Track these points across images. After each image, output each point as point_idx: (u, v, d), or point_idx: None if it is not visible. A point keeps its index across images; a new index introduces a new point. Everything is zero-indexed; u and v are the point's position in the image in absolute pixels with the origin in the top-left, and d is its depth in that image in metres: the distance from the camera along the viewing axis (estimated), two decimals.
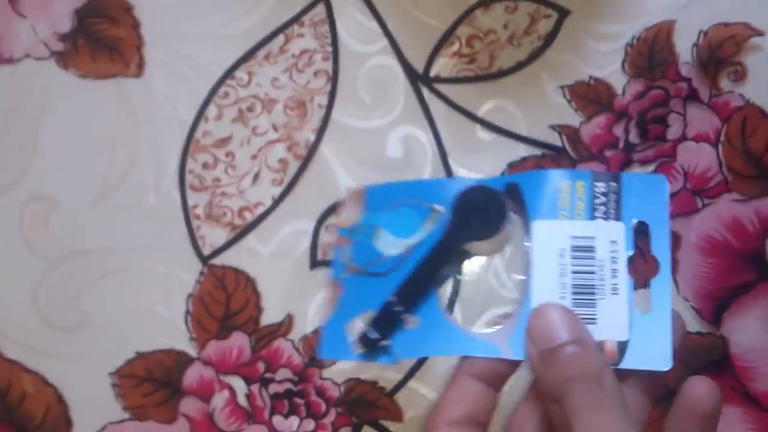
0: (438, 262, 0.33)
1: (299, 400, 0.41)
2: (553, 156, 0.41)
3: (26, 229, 0.43)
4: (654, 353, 0.29)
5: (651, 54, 0.41)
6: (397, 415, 0.40)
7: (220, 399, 0.41)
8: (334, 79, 0.43)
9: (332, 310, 0.33)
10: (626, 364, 0.29)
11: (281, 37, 0.43)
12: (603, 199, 0.31)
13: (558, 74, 0.42)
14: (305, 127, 0.43)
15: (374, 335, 0.32)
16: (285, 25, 0.43)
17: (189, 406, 0.41)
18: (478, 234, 0.32)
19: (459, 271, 0.34)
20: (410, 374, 0.41)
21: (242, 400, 0.41)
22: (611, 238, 0.31)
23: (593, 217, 0.31)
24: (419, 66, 0.43)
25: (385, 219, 0.34)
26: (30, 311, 0.43)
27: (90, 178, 0.43)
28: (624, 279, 0.31)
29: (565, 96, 0.42)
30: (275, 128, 0.43)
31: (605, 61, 0.42)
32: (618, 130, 0.41)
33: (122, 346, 0.42)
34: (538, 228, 0.32)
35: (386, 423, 0.41)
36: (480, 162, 0.42)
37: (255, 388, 0.41)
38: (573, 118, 0.41)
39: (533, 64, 0.42)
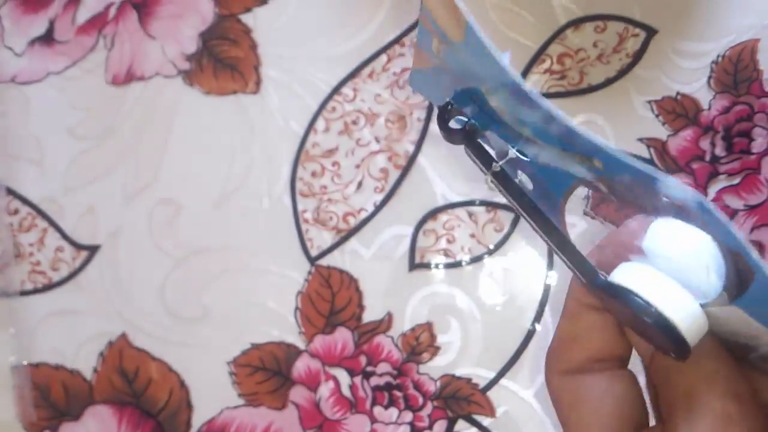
0: (554, 244, 0.23)
1: (398, 393, 0.42)
2: None
3: (155, 230, 0.45)
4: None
5: (736, 71, 0.42)
6: (490, 411, 0.42)
7: (325, 389, 0.43)
8: None
9: (429, 66, 0.24)
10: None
11: (384, 57, 0.44)
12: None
13: (646, 90, 0.43)
14: (405, 139, 0.44)
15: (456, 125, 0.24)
16: (387, 46, 0.44)
17: (298, 394, 0.43)
18: (637, 328, 0.22)
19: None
20: (502, 373, 0.42)
21: (346, 391, 0.43)
22: None
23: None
24: None
25: (503, 98, 0.22)
26: (157, 304, 0.44)
27: (211, 184, 0.44)
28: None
29: (652, 110, 0.42)
30: (377, 140, 0.44)
31: (691, 77, 0.42)
32: (704, 144, 0.42)
33: (238, 338, 0.44)
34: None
35: (479, 417, 0.42)
36: None
37: (357, 380, 0.43)
38: (660, 132, 0.42)
39: (622, 80, 0.43)
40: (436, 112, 0.25)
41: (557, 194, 0.24)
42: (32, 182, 0.46)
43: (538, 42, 0.44)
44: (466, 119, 0.24)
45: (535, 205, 0.23)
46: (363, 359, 0.43)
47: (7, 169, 0.46)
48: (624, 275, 0.21)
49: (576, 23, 0.43)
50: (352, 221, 0.44)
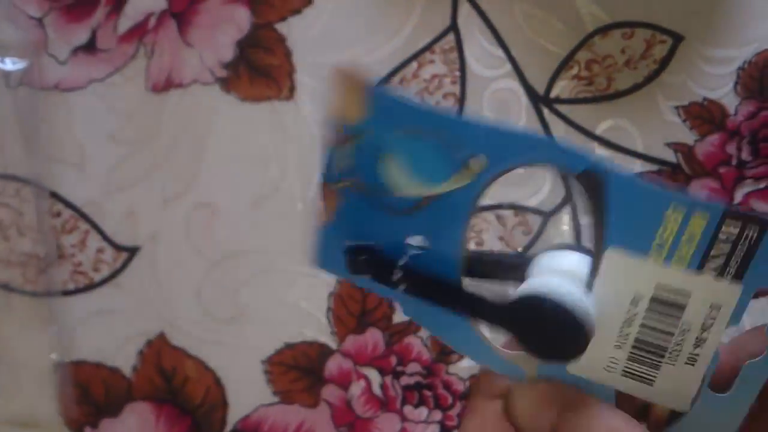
0: (467, 310, 0.24)
1: (428, 393, 0.43)
2: (668, 172, 0.43)
3: (192, 232, 0.46)
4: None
5: (762, 77, 0.42)
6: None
7: (357, 388, 0.44)
8: (461, 100, 0.45)
9: (329, 219, 0.25)
10: None
11: (414, 64, 0.45)
12: (727, 247, 0.21)
13: (673, 95, 0.43)
14: None
15: (373, 269, 0.25)
16: (418, 53, 0.45)
17: (330, 392, 0.44)
18: (536, 353, 0.23)
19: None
20: None
21: (377, 390, 0.44)
22: (715, 301, 0.22)
23: (701, 268, 0.22)
24: (540, 88, 0.44)
25: (397, 143, 0.23)
26: (194, 304, 0.46)
27: (247, 188, 0.45)
28: (710, 352, 0.23)
29: (679, 115, 0.43)
30: None
31: (718, 83, 0.43)
32: (731, 148, 0.42)
33: (272, 337, 0.45)
34: (612, 261, 0.23)
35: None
36: None
37: (388, 379, 0.44)
38: (687, 137, 0.43)
39: (649, 86, 0.43)
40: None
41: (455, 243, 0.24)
42: (75, 186, 0.47)
43: (566, 48, 0.44)
44: (369, 248, 0.25)
45: (450, 286, 0.24)
46: (393, 359, 0.44)
47: (50, 173, 0.47)
48: (524, 287, 0.23)
49: (604, 30, 0.44)
50: None
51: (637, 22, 0.44)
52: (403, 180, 0.24)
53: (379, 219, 0.24)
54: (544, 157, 0.22)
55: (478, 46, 0.45)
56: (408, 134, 0.23)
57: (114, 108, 0.47)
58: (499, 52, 0.45)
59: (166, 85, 0.46)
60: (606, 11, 0.44)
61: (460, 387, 0.43)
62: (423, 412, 0.44)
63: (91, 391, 0.47)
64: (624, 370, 0.24)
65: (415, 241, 0.25)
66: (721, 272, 0.22)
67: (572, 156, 0.22)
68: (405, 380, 0.44)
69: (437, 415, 0.44)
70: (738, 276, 0.22)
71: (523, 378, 0.24)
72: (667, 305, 0.23)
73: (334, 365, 0.44)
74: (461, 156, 0.23)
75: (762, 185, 0.42)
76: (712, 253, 0.22)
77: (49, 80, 0.48)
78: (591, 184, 0.22)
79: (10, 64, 0.47)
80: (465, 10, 0.45)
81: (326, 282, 0.45)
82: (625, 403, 0.24)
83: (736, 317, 0.22)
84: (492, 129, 0.22)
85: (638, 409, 0.24)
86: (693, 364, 0.23)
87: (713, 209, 0.21)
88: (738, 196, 0.42)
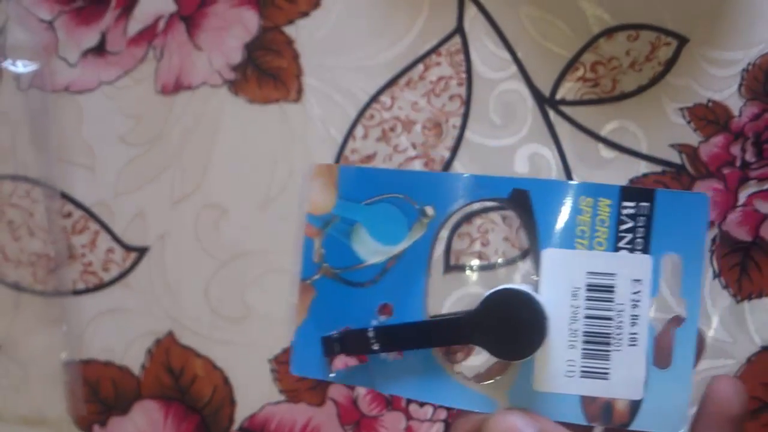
0: (435, 341, 0.27)
1: None
2: (673, 173, 0.43)
3: (200, 233, 0.46)
4: (668, 415, 0.25)
5: (766, 79, 0.42)
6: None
7: (363, 387, 0.44)
8: (467, 102, 0.45)
9: (303, 317, 0.29)
10: (637, 425, 0.25)
11: (421, 66, 0.45)
12: (630, 223, 0.25)
13: (678, 97, 0.43)
14: (441, 145, 0.45)
15: (346, 357, 0.28)
16: (424, 55, 0.45)
17: (336, 391, 0.44)
18: (504, 353, 0.25)
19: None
20: None
21: None
22: (635, 276, 0.25)
23: (616, 248, 0.25)
24: (546, 90, 0.44)
25: (362, 214, 0.27)
26: (202, 304, 0.46)
27: (254, 189, 0.46)
28: (645, 328, 0.25)
29: (684, 117, 0.43)
30: (414, 146, 0.45)
31: (722, 85, 0.43)
32: (735, 150, 0.42)
33: (279, 336, 0.45)
34: (549, 259, 0.25)
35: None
36: (602, 178, 0.43)
37: None
38: (692, 138, 0.43)
39: (654, 88, 0.43)
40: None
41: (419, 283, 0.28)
42: (85, 187, 0.47)
43: (572, 51, 0.44)
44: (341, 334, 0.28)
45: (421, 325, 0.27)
46: None
47: (61, 174, 0.48)
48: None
49: (609, 32, 0.44)
50: None
51: (642, 25, 0.44)
52: (370, 247, 0.27)
53: (348, 296, 0.28)
54: (475, 193, 0.26)
55: (484, 48, 0.45)
56: (370, 204, 0.27)
57: (123, 110, 0.47)
58: (505, 54, 0.45)
59: (175, 88, 0.47)
60: (611, 13, 0.44)
61: None
62: (428, 410, 0.44)
63: (100, 390, 0.47)
64: (582, 371, 0.26)
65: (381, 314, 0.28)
66: (632, 248, 0.25)
67: (497, 183, 0.26)
68: None
69: (442, 414, 0.44)
70: (646, 249, 0.25)
71: (496, 409, 0.26)
72: (600, 290, 0.25)
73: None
74: (416, 208, 0.27)
75: (766, 186, 0.42)
76: (620, 232, 0.25)
77: (60, 82, 0.48)
78: (520, 200, 0.25)
79: (21, 67, 0.48)
80: (471, 13, 0.45)
81: None
82: (589, 408, 0.26)
83: (654, 288, 0.25)
84: (433, 177, 0.26)
85: (602, 411, 0.26)
86: (635, 344, 0.25)
87: (611, 190, 0.25)
88: (742, 198, 0.42)
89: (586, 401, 0.26)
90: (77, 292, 0.48)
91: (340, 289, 0.28)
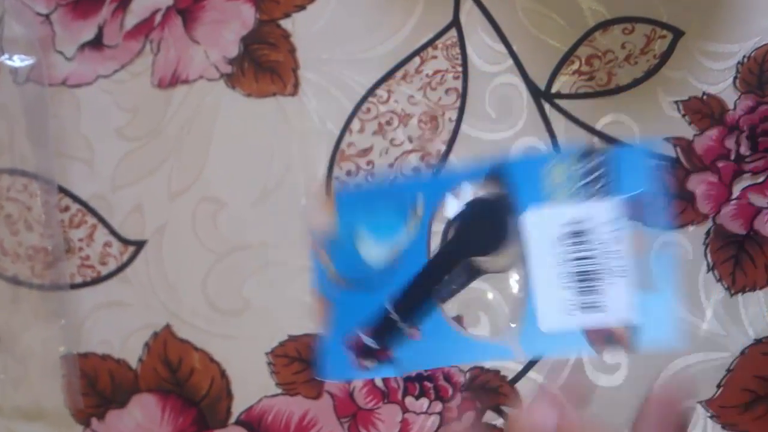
0: (436, 276, 0.30)
1: (429, 384, 0.44)
2: (667, 167, 0.43)
3: (198, 226, 0.46)
4: (663, 333, 0.28)
5: (761, 72, 0.42)
6: (517, 402, 0.43)
7: (359, 379, 0.44)
8: (463, 95, 0.45)
9: (326, 329, 0.32)
10: (637, 346, 0.28)
11: (417, 59, 0.45)
12: (593, 176, 0.29)
13: (673, 90, 0.43)
14: (437, 138, 0.45)
15: (375, 346, 0.31)
16: (420, 49, 0.45)
17: (332, 384, 0.44)
18: (481, 249, 0.30)
19: (465, 285, 0.31)
20: (530, 365, 0.43)
21: (378, 382, 0.44)
22: (608, 218, 0.29)
23: (586, 198, 0.29)
24: (541, 83, 0.44)
25: (362, 221, 0.31)
26: (199, 297, 0.46)
27: (251, 182, 0.46)
28: (629, 259, 0.28)
29: (679, 110, 0.43)
30: (410, 140, 0.45)
31: (717, 78, 0.43)
32: (729, 143, 0.42)
33: (276, 329, 0.45)
34: (530, 219, 0.29)
35: (507, 409, 0.43)
36: None
37: None
38: (687, 131, 0.43)
39: (649, 81, 0.43)
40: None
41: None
42: (82, 180, 0.48)
43: (567, 44, 0.44)
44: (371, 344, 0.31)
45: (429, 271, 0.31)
46: None
47: (59, 168, 0.48)
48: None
49: (604, 25, 0.44)
50: None
51: (637, 18, 0.44)
52: (375, 249, 0.31)
53: (362, 300, 0.31)
54: (455, 183, 0.30)
55: (480, 41, 0.45)
56: (369, 213, 0.31)
57: (121, 103, 0.47)
58: (501, 48, 0.45)
59: (172, 81, 0.47)
60: (606, 7, 0.44)
61: (460, 379, 0.44)
62: (424, 403, 0.44)
63: (98, 383, 0.47)
64: (581, 306, 0.29)
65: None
66: (599, 194, 0.29)
67: (473, 169, 0.30)
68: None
69: (437, 407, 0.44)
70: (612, 193, 0.29)
71: (511, 355, 0.29)
72: (579, 235, 0.29)
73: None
74: (408, 204, 0.31)
75: (760, 179, 0.42)
76: (586, 183, 0.29)
77: (57, 76, 0.48)
78: (496, 177, 0.30)
79: (18, 61, 0.48)
80: (467, 6, 0.45)
81: None
82: (593, 338, 0.28)
83: (619, 227, 0.28)
84: (417, 177, 0.30)
85: (605, 339, 0.29)
86: (624, 276, 0.28)
87: (571, 152, 0.29)
88: (736, 191, 0.42)
89: (590, 333, 0.29)
90: (75, 286, 0.48)
91: (353, 296, 0.31)
